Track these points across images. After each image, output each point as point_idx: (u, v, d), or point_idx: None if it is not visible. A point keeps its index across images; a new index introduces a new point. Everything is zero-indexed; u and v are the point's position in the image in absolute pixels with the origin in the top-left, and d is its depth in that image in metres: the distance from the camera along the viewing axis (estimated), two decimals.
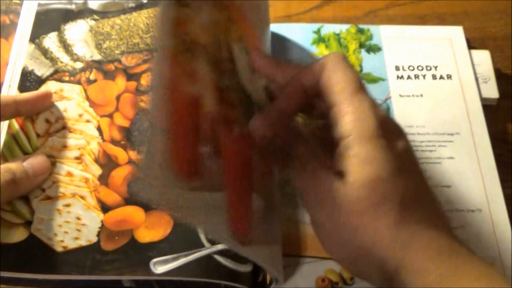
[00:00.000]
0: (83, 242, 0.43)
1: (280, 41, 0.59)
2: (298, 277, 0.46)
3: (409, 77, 0.57)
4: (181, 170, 0.37)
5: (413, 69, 0.58)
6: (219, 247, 0.43)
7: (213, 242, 0.43)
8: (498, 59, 0.63)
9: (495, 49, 0.64)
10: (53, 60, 0.52)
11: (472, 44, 0.63)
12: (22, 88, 0.50)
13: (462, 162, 0.52)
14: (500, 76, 0.62)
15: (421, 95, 0.56)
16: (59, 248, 0.43)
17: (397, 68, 0.58)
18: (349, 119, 0.33)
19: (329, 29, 0.60)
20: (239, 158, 0.38)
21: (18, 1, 0.55)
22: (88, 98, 0.50)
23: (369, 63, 0.58)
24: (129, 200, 0.46)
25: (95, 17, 0.54)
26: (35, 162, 0.43)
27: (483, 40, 0.64)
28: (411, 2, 0.68)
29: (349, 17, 0.66)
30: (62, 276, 0.42)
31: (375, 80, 0.57)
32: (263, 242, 0.42)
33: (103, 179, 0.46)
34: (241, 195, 0.40)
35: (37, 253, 0.42)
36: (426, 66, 0.58)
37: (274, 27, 0.60)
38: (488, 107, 0.57)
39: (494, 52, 0.63)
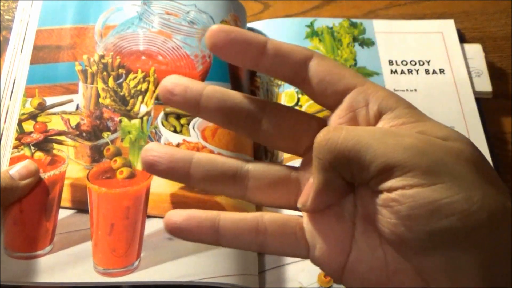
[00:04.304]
0: None
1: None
2: (300, 274, 0.45)
3: (402, 72, 0.57)
4: None
5: (406, 64, 0.58)
6: None
7: None
8: (498, 59, 0.63)
9: (495, 49, 0.63)
10: None
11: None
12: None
13: None
14: (500, 76, 0.61)
15: (415, 90, 0.56)
16: None
17: (390, 63, 0.58)
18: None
19: (322, 22, 0.61)
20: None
21: (10, 17, 0.54)
22: None
23: (363, 57, 0.58)
24: None
25: None
26: (20, 166, 0.45)
27: (483, 40, 0.64)
28: (411, 2, 0.68)
29: (349, 16, 0.66)
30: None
31: (369, 74, 0.57)
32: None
33: None
34: None
35: None
36: (419, 61, 0.58)
37: (266, 23, 0.61)
38: (486, 107, 0.57)
39: (494, 52, 0.63)
